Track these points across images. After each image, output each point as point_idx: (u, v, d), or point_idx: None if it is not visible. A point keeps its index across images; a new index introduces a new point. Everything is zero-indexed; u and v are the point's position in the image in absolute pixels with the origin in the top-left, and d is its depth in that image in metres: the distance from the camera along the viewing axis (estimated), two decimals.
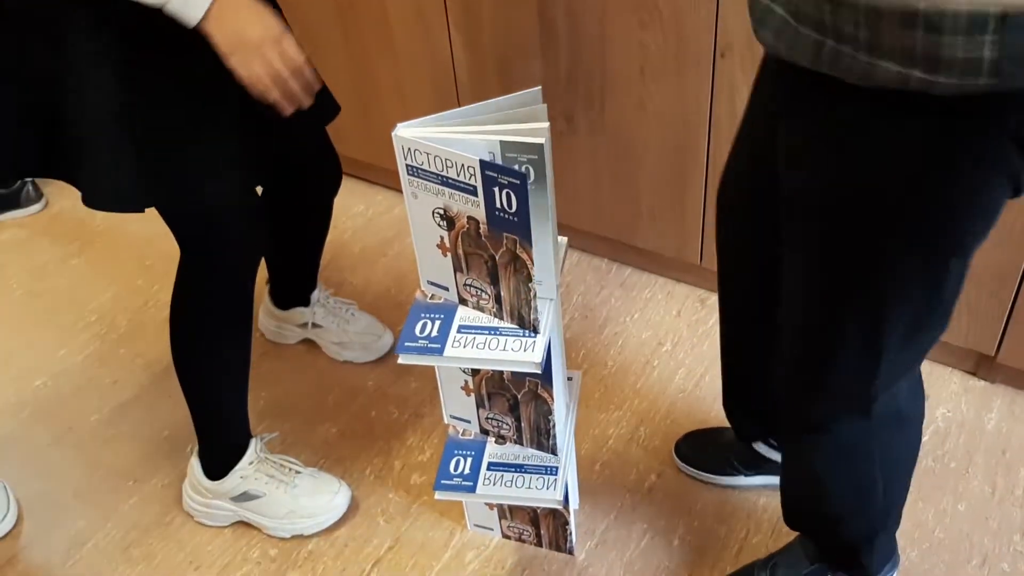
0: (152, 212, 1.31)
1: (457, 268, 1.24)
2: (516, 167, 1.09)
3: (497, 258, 1.18)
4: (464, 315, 1.27)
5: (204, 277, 1.39)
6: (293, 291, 1.86)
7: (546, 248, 1.20)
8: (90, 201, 1.25)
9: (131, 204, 1.26)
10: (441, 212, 1.19)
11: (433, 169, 1.13)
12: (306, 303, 1.87)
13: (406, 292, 2.06)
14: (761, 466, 1.59)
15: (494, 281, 1.22)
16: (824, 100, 0.94)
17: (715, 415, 1.74)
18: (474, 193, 1.12)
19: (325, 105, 1.48)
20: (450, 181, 1.13)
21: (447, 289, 1.28)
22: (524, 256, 1.15)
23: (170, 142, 1.23)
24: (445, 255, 1.23)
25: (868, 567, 1.33)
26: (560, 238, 1.30)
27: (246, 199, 1.35)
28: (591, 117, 1.81)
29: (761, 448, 1.57)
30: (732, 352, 1.42)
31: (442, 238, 1.22)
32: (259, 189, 1.51)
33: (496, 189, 1.10)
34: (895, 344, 1.05)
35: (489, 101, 1.15)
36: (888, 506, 1.28)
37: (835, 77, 0.89)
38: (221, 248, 1.35)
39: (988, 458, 1.63)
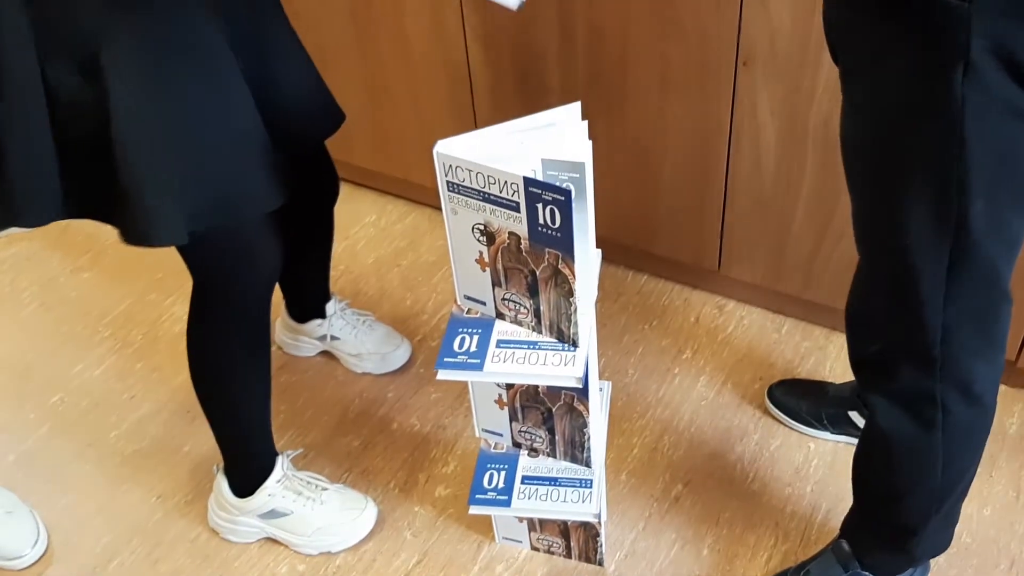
0: None
1: (496, 283, 1.24)
2: (558, 184, 1.09)
3: (538, 273, 1.18)
4: (502, 329, 1.27)
5: (221, 302, 1.37)
6: (308, 304, 1.85)
7: (586, 262, 1.20)
8: (135, 238, 1.19)
9: (178, 235, 1.20)
10: (481, 228, 1.18)
11: (474, 186, 1.13)
12: (322, 315, 1.86)
13: (421, 302, 2.05)
14: (849, 430, 1.65)
15: (533, 295, 1.22)
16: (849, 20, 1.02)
17: (738, 422, 1.75)
18: (516, 209, 1.12)
19: (331, 114, 1.46)
20: (492, 197, 1.13)
21: (484, 303, 1.28)
22: (566, 271, 1.15)
23: (207, 161, 1.21)
24: (484, 270, 1.23)
25: (912, 555, 1.34)
26: (595, 250, 1.30)
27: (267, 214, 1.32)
28: (610, 125, 1.81)
29: (854, 416, 1.63)
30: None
31: (481, 253, 1.21)
32: None
33: (540, 205, 1.10)
34: (933, 292, 1.06)
35: (526, 118, 1.15)
36: (946, 486, 1.27)
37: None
38: (239, 272, 1.33)
39: (1011, 462, 1.65)
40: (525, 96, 1.87)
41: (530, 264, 1.18)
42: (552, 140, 1.14)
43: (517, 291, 1.23)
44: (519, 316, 1.25)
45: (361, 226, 2.24)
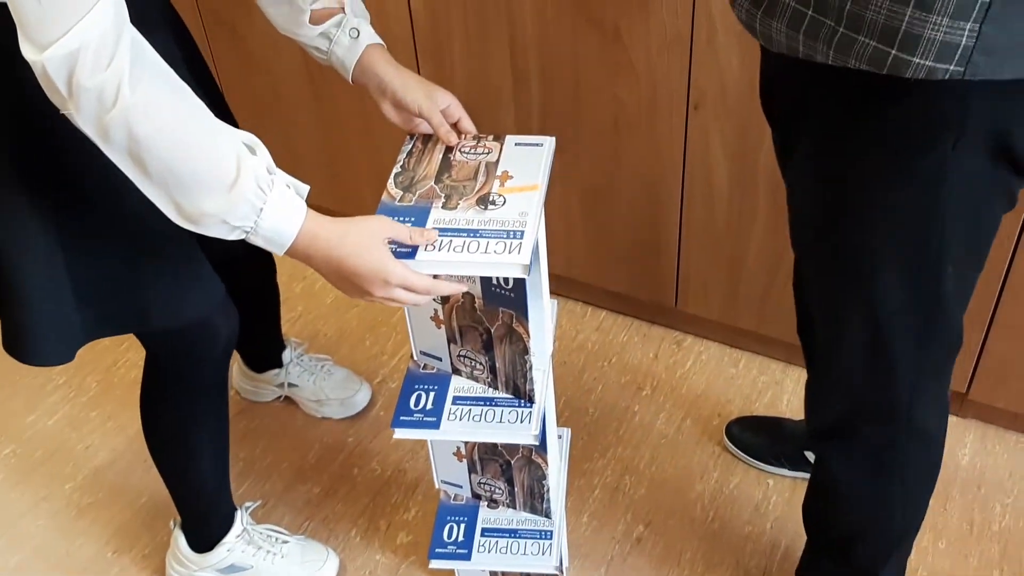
0: None
1: (451, 339, 1.24)
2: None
3: (492, 331, 1.18)
4: (458, 385, 1.27)
5: (176, 375, 1.35)
6: (264, 356, 1.84)
7: (541, 319, 1.21)
8: (29, 360, 1.18)
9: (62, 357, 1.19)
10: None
11: None
12: (279, 364, 1.85)
13: (381, 342, 2.04)
14: (806, 468, 1.65)
15: (488, 352, 1.22)
16: (808, 91, 0.99)
17: (698, 460, 1.76)
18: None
19: None
20: None
21: (440, 359, 1.28)
22: (520, 330, 1.15)
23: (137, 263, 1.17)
24: (439, 327, 1.23)
25: None
26: (551, 300, 1.31)
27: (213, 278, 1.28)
28: (565, 165, 1.82)
29: (809, 455, 1.64)
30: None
31: (436, 311, 1.21)
32: None
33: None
34: (906, 351, 1.07)
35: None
36: (905, 528, 1.29)
37: (811, 64, 0.93)
38: (201, 345, 1.31)
39: (965, 494, 1.67)
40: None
41: (484, 322, 1.18)
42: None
43: (472, 348, 1.23)
44: (475, 372, 1.25)
45: None
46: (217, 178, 0.93)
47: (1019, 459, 1.72)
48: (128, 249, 1.15)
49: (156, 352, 1.34)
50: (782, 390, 1.87)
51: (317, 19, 1.19)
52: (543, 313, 1.21)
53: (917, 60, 0.85)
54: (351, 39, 1.18)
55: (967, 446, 1.75)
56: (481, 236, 1.06)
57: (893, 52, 0.86)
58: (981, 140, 0.91)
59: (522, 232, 1.06)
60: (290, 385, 1.86)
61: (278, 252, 1.00)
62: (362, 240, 1.01)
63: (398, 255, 1.05)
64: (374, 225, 1.03)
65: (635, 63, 1.63)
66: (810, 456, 1.64)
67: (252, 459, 1.82)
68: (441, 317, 1.22)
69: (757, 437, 1.72)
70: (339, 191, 2.15)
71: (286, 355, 1.83)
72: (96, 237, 1.13)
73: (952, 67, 0.85)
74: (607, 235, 1.90)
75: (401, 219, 1.10)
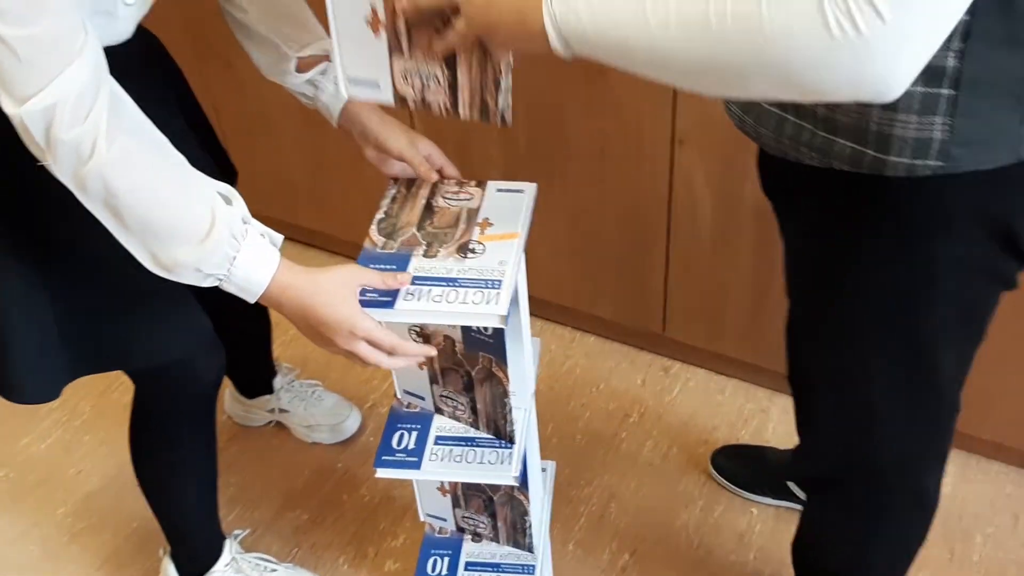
0: None
1: (433, 380, 1.26)
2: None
3: (473, 374, 1.20)
4: (440, 424, 1.29)
5: (164, 409, 1.37)
6: (255, 382, 1.86)
7: (520, 363, 1.22)
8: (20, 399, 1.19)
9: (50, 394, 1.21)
10: (417, 330, 1.20)
11: None
12: (270, 390, 1.87)
13: (370, 368, 2.05)
14: (788, 497, 1.68)
15: (469, 393, 1.23)
16: (801, 179, 0.99)
17: (684, 488, 1.78)
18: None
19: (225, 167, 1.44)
20: None
21: (423, 399, 1.29)
22: (500, 374, 1.17)
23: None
24: (422, 368, 1.25)
25: None
26: (534, 339, 1.32)
27: (205, 327, 1.29)
28: (551, 194, 1.83)
29: (792, 485, 1.66)
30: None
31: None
32: None
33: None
34: (897, 421, 1.08)
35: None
36: (895, 569, 1.31)
37: (798, 163, 0.94)
38: (185, 380, 1.33)
39: (945, 524, 1.69)
40: (467, 166, 1.88)
41: (465, 365, 1.20)
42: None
43: (454, 389, 1.24)
44: (457, 412, 1.27)
45: None
46: (191, 229, 0.96)
47: (1000, 489, 1.74)
48: (110, 289, 1.17)
49: (143, 386, 1.36)
50: (768, 418, 1.89)
51: (303, 67, 1.21)
52: (523, 356, 1.22)
53: (894, 159, 0.86)
54: (336, 87, 1.20)
55: (948, 476, 1.75)
56: (459, 285, 1.08)
57: (870, 153, 0.87)
58: (975, 228, 0.92)
59: (500, 282, 1.07)
60: (281, 411, 1.88)
61: (250, 300, 1.02)
62: (333, 289, 1.03)
63: (378, 304, 1.07)
64: (346, 275, 1.05)
65: (619, 98, 1.65)
66: (793, 487, 1.66)
67: (243, 484, 1.83)
68: (424, 360, 1.23)
69: (742, 466, 1.74)
70: (329, 215, 2.17)
71: (277, 381, 1.85)
72: (78, 277, 1.15)
73: (932, 162, 0.85)
74: (595, 262, 1.91)
75: (383, 267, 1.11)
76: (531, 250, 1.93)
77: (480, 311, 1.05)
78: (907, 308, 0.98)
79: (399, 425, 1.29)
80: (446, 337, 1.18)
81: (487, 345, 1.15)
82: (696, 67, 0.76)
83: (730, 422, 1.88)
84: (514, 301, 1.11)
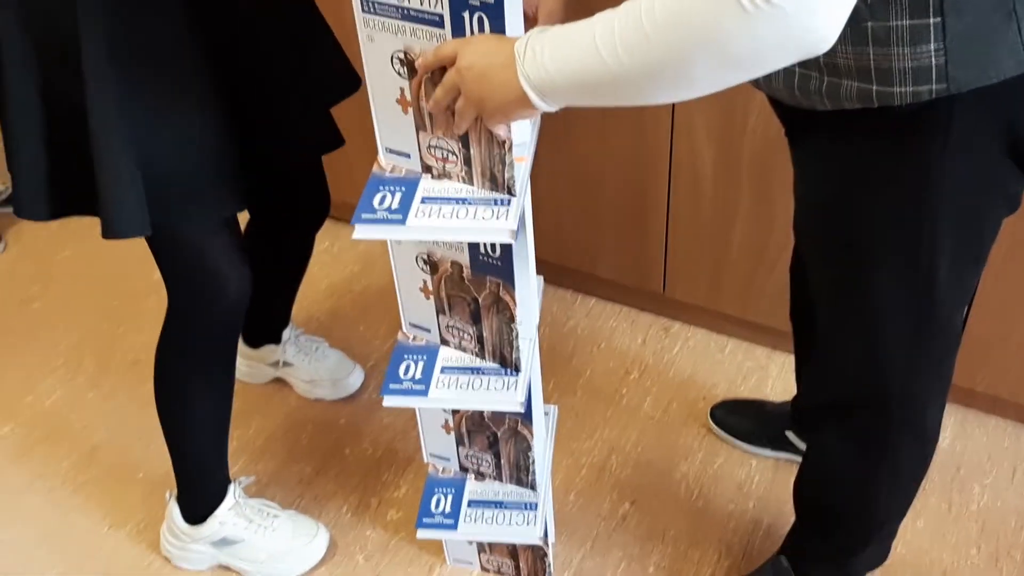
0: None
1: (440, 311, 1.28)
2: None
3: (480, 301, 1.22)
4: (447, 355, 1.30)
5: (189, 328, 1.40)
6: (267, 328, 1.87)
7: (527, 288, 1.24)
8: (113, 231, 1.24)
9: (144, 227, 1.24)
10: (425, 257, 1.22)
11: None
12: (278, 340, 1.88)
13: (373, 327, 2.08)
14: (787, 448, 1.70)
15: (476, 322, 1.25)
16: (812, 130, 1.03)
17: (683, 441, 1.79)
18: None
19: (330, 133, 1.50)
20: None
21: (429, 331, 1.31)
22: (507, 298, 1.19)
23: (168, 163, 1.24)
24: (428, 298, 1.27)
25: (852, 571, 1.39)
26: (537, 277, 1.34)
27: (233, 238, 1.36)
28: (553, 152, 1.86)
29: (791, 435, 1.68)
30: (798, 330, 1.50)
31: (425, 282, 1.25)
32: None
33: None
34: (900, 345, 1.10)
35: None
36: (890, 512, 1.33)
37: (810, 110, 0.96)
38: (209, 292, 1.36)
39: (943, 475, 1.71)
40: None
41: (472, 292, 1.22)
42: None
43: (460, 319, 1.26)
44: (463, 343, 1.29)
45: (315, 252, 2.25)
46: None
47: (997, 442, 1.76)
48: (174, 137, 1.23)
49: (174, 295, 1.39)
50: (767, 375, 1.91)
51: None
52: (529, 283, 1.24)
53: (898, 89, 0.89)
54: None
55: (947, 429, 1.78)
56: (470, 204, 1.10)
57: (875, 87, 0.90)
58: (984, 140, 0.94)
59: (509, 200, 1.09)
60: (285, 364, 1.89)
61: None
62: None
63: (390, 221, 1.09)
64: None
65: None
66: (791, 437, 1.68)
67: (246, 438, 1.85)
68: (430, 288, 1.25)
69: (740, 419, 1.76)
70: (339, 181, 2.19)
71: (285, 333, 1.87)
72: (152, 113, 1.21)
73: (934, 86, 0.88)
74: (596, 221, 1.93)
75: (392, 188, 1.13)
76: (534, 210, 1.95)
77: (491, 226, 1.07)
78: (904, 222, 1.00)
79: (405, 356, 1.31)
80: (453, 263, 1.20)
81: (495, 268, 1.17)
82: (652, 78, 0.83)
83: (729, 379, 1.90)
84: (521, 223, 1.13)
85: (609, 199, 1.89)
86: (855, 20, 0.86)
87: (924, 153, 0.95)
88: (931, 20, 0.86)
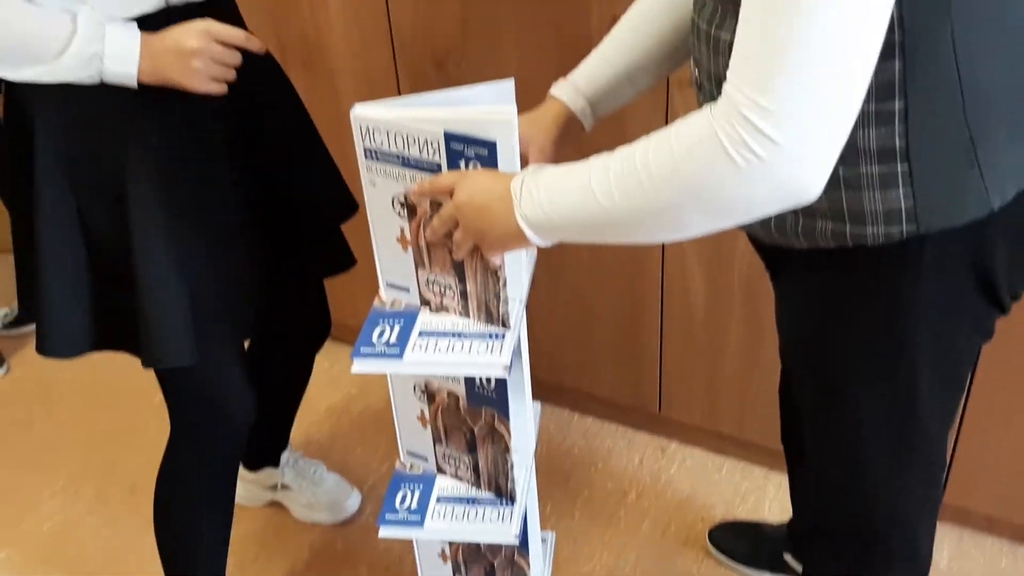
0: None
1: (436, 440, 1.29)
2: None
3: (476, 431, 1.24)
4: (443, 485, 1.32)
5: (193, 451, 1.42)
6: (266, 450, 1.89)
7: (522, 418, 1.26)
8: (157, 359, 1.27)
9: (191, 354, 1.28)
10: (422, 388, 1.25)
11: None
12: (276, 463, 1.89)
13: (371, 449, 2.09)
14: (786, 571, 1.68)
15: (472, 452, 1.27)
16: (790, 266, 1.08)
17: (682, 564, 1.78)
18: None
19: (340, 254, 1.56)
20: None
21: (426, 459, 1.33)
22: (502, 429, 1.21)
23: (202, 294, 1.28)
24: (425, 427, 1.29)
25: None
26: (534, 402, 1.37)
27: (239, 364, 1.39)
28: (548, 274, 1.91)
29: (788, 558, 1.66)
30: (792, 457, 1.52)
31: (423, 411, 1.27)
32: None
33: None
34: (884, 469, 1.11)
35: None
36: None
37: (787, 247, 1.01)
38: (214, 418, 1.38)
39: None
40: None
41: (468, 422, 1.24)
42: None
43: (456, 448, 1.28)
44: (459, 472, 1.30)
45: (314, 374, 2.28)
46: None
47: (995, 563, 1.75)
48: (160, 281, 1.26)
49: (177, 420, 1.41)
50: (764, 495, 1.91)
51: None
52: (525, 412, 1.27)
53: (871, 230, 0.94)
54: None
55: (943, 551, 1.77)
56: (465, 337, 1.13)
57: (848, 228, 0.95)
58: (955, 276, 0.98)
59: (504, 334, 1.13)
60: (283, 487, 1.89)
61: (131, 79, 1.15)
62: (187, 23, 1.16)
63: (386, 355, 1.12)
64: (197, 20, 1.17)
65: None
66: (789, 559, 1.67)
67: (243, 564, 1.83)
68: (427, 417, 1.27)
69: (738, 541, 1.75)
70: (338, 302, 2.23)
71: (284, 455, 1.88)
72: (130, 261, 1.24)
73: (904, 227, 0.93)
74: (591, 342, 1.97)
75: (391, 322, 1.17)
76: (530, 331, 1.99)
77: (484, 361, 1.10)
78: (886, 352, 1.03)
79: (402, 485, 1.32)
80: (450, 393, 1.23)
81: (490, 400, 1.19)
82: (644, 223, 0.88)
83: (727, 500, 1.90)
84: (516, 356, 1.17)
85: (603, 319, 1.92)
86: None
87: (897, 286, 0.99)
88: (898, 167, 0.91)
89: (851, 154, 0.91)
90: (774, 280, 1.18)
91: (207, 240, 1.29)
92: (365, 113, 1.08)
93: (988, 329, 1.06)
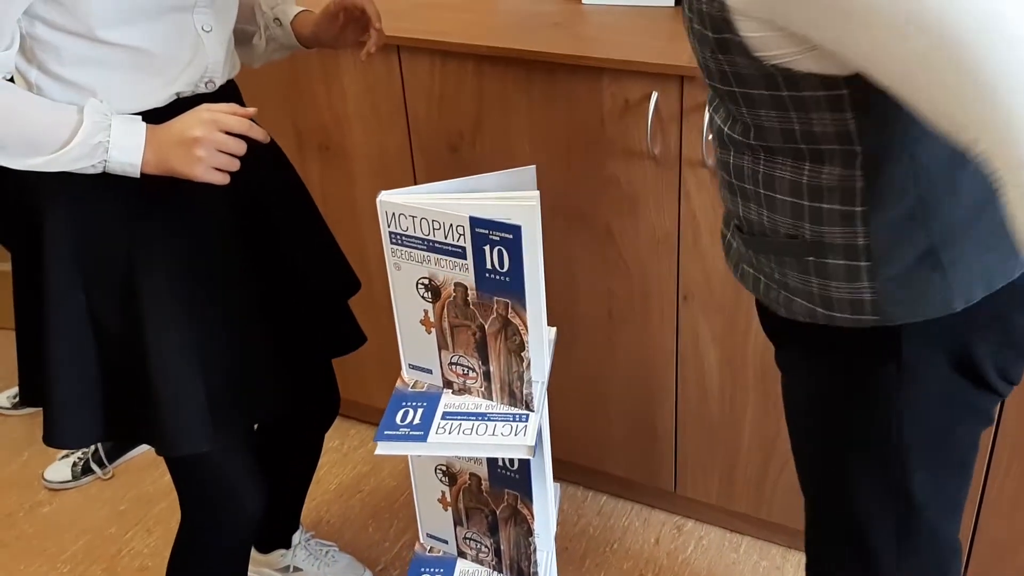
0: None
1: (457, 522, 1.29)
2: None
3: (498, 512, 1.23)
4: (463, 569, 1.31)
5: (204, 540, 1.41)
6: (278, 532, 1.86)
7: (544, 500, 1.26)
8: (173, 446, 1.27)
9: (207, 440, 1.27)
10: (444, 468, 1.24)
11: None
12: (288, 544, 1.87)
13: (383, 529, 2.06)
14: None
15: (494, 534, 1.26)
16: (785, 339, 1.10)
17: None
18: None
19: (350, 332, 1.57)
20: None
21: (446, 542, 1.32)
22: (525, 511, 1.20)
23: (212, 380, 1.29)
24: (446, 509, 1.28)
25: None
26: (554, 484, 1.36)
27: (250, 452, 1.39)
28: (562, 353, 1.91)
29: None
30: None
31: (443, 493, 1.27)
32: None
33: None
34: (887, 557, 1.10)
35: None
36: None
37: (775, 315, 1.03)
38: (225, 508, 1.37)
39: None
40: None
41: (490, 504, 1.23)
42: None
43: (478, 530, 1.27)
44: (480, 555, 1.29)
45: (324, 452, 2.26)
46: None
47: None
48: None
49: (187, 512, 1.40)
50: (782, 575, 1.88)
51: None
52: (547, 494, 1.26)
53: (840, 315, 0.97)
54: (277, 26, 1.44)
55: None
56: (489, 419, 1.14)
57: (819, 310, 0.98)
58: (931, 361, 0.99)
59: (527, 415, 1.13)
60: (295, 569, 1.86)
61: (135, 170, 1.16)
62: (190, 111, 1.17)
63: (410, 438, 1.12)
64: (198, 107, 1.17)
65: (627, 259, 1.75)
66: None
67: None
68: (448, 499, 1.27)
69: None
70: (348, 379, 2.23)
71: (295, 537, 1.86)
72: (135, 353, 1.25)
73: (869, 317, 0.95)
74: (605, 420, 1.96)
75: (414, 404, 1.17)
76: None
77: (509, 442, 1.10)
78: (877, 432, 1.03)
79: (422, 570, 1.31)
80: (472, 475, 1.22)
81: (513, 481, 1.19)
82: None
83: None
84: (539, 438, 1.17)
85: (617, 396, 1.92)
86: (799, 252, 0.94)
87: (880, 372, 1.00)
88: (861, 263, 0.93)
89: (818, 245, 0.94)
90: (776, 354, 1.18)
91: (219, 327, 1.29)
92: (391, 199, 1.11)
93: (986, 413, 1.06)
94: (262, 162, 1.32)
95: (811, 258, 0.95)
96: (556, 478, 2.13)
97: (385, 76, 1.83)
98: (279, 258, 1.41)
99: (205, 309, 1.27)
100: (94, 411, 1.26)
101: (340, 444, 2.30)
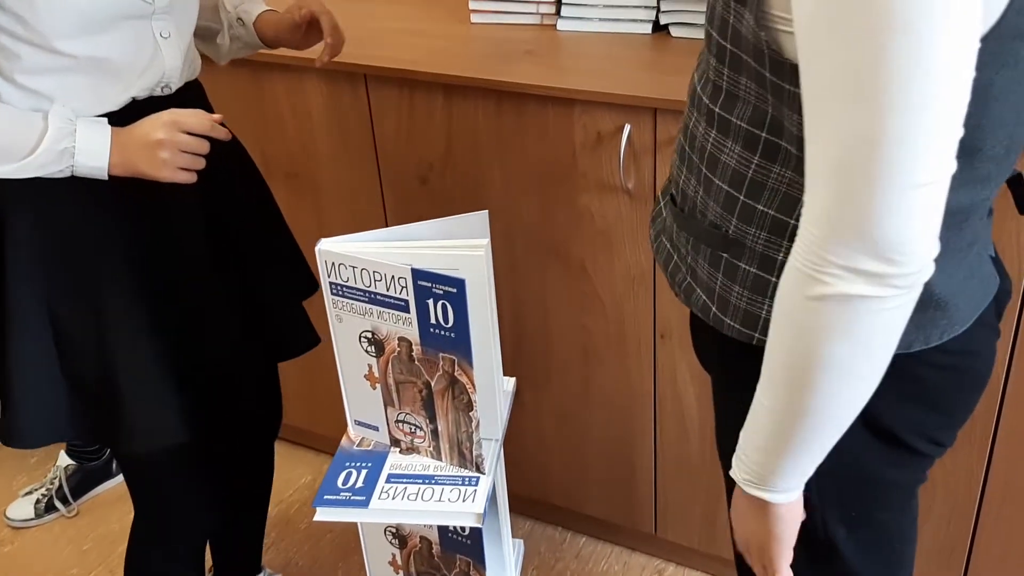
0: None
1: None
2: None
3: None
4: None
5: (158, 538, 1.41)
6: (240, 569, 1.79)
7: (500, 564, 1.19)
8: (129, 445, 1.28)
9: (165, 435, 1.28)
10: (393, 531, 1.17)
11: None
12: None
13: (353, 571, 1.99)
14: None
15: None
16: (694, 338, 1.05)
17: None
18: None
19: (306, 332, 1.54)
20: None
21: None
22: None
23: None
24: (397, 572, 1.21)
25: None
26: (516, 541, 1.29)
27: (207, 449, 1.39)
28: (537, 393, 1.84)
29: None
30: None
31: (394, 556, 1.20)
32: None
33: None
34: None
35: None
36: None
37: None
38: (177, 501, 1.37)
39: None
40: None
41: (442, 569, 1.16)
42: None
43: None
44: None
45: (296, 489, 2.21)
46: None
47: None
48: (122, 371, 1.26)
49: (138, 509, 1.40)
50: None
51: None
52: (503, 558, 1.19)
53: (729, 321, 0.89)
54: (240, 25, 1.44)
55: None
56: (436, 483, 1.07)
57: (713, 309, 0.91)
58: None
59: (477, 479, 1.06)
60: None
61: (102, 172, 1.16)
62: (153, 115, 1.18)
63: (352, 503, 1.05)
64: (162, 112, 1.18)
65: (602, 296, 1.68)
66: None
67: None
68: (399, 562, 1.20)
69: None
70: (321, 414, 2.17)
71: None
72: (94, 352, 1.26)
73: (757, 335, 0.87)
74: (582, 461, 1.89)
75: (358, 465, 1.10)
76: (519, 449, 1.92)
77: (457, 509, 1.03)
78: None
79: None
80: (423, 539, 1.15)
81: (465, 547, 1.12)
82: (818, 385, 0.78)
83: None
84: (491, 502, 1.09)
85: (595, 436, 1.85)
86: (717, 245, 0.88)
87: None
88: (772, 279, 0.86)
89: (737, 244, 0.87)
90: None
91: (183, 327, 1.29)
92: (331, 248, 1.04)
93: (912, 473, 0.97)
94: (226, 161, 1.33)
95: (725, 255, 0.88)
96: (533, 519, 2.07)
97: (353, 104, 1.76)
98: (239, 257, 1.41)
99: (168, 309, 1.27)
100: (55, 411, 1.25)
101: (313, 480, 2.23)
